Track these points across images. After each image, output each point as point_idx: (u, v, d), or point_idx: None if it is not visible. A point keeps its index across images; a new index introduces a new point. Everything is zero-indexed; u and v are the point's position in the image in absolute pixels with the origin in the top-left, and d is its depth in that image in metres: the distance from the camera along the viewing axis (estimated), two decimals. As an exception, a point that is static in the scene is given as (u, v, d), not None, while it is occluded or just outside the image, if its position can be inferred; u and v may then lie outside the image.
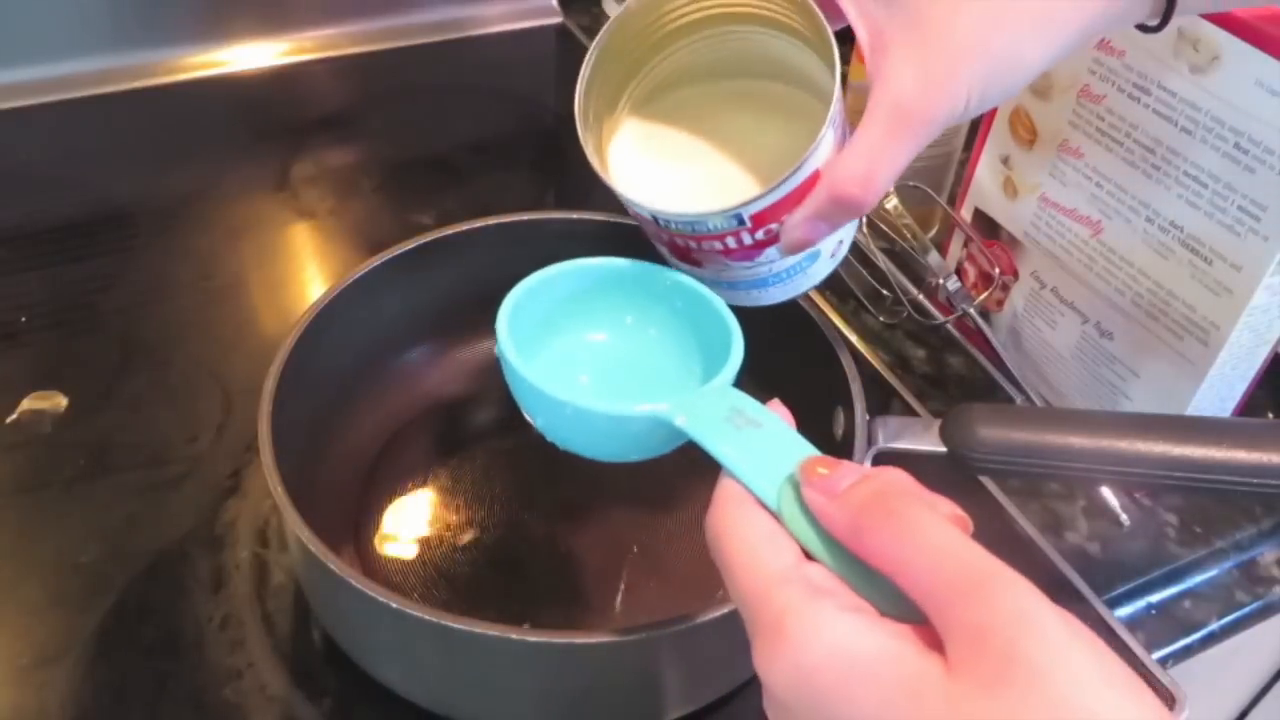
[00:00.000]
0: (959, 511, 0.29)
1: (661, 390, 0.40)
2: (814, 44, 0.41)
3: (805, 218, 0.39)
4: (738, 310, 0.43)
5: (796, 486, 0.30)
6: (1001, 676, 0.23)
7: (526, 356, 0.39)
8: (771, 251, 0.42)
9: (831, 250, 0.45)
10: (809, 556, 0.29)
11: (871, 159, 0.37)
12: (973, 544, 0.26)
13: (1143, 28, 0.41)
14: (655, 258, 0.45)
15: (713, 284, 0.46)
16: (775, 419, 0.34)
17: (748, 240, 0.41)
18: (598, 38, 0.42)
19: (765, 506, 0.30)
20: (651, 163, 0.45)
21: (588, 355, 0.44)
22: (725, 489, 0.31)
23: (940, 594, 0.25)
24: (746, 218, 0.39)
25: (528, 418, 0.41)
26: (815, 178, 0.39)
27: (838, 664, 0.25)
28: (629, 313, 0.45)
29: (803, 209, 0.39)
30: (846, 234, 0.46)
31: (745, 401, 0.35)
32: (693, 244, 0.42)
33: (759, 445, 0.32)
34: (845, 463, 0.30)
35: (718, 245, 0.41)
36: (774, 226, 0.40)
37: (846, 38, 0.40)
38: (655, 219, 0.41)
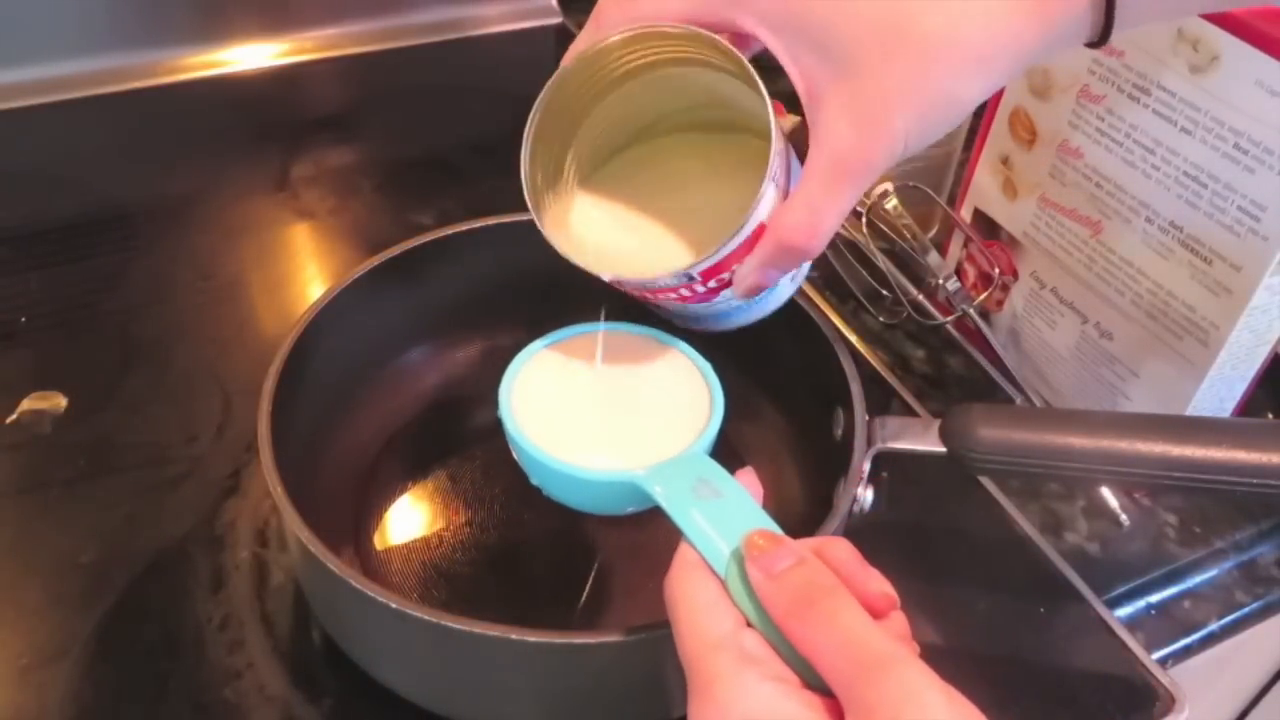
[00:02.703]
0: (887, 590, 0.34)
1: (649, 448, 0.43)
2: (750, 95, 0.41)
3: (755, 267, 0.40)
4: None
5: (743, 558, 0.33)
6: None
7: (526, 417, 0.43)
8: (727, 293, 0.43)
9: (791, 275, 0.45)
10: (749, 622, 0.33)
11: (814, 209, 0.38)
12: (878, 631, 0.31)
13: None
14: (648, 318, 0.48)
15: (678, 317, 0.47)
16: (738, 489, 0.37)
17: (701, 290, 0.42)
18: (539, 99, 0.42)
19: (715, 573, 0.34)
20: (602, 229, 0.46)
21: (585, 414, 0.45)
22: (682, 554, 0.35)
23: (843, 674, 0.30)
24: (696, 274, 0.41)
25: (525, 473, 0.44)
26: (761, 229, 0.39)
27: None
28: (625, 373, 0.47)
29: (752, 259, 0.40)
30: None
31: (713, 471, 0.38)
32: (649, 295, 0.44)
33: (716, 515, 0.36)
34: (786, 540, 0.34)
35: (673, 296, 0.43)
36: (725, 275, 0.41)
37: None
38: (609, 282, 0.43)
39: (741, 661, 0.31)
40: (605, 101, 0.45)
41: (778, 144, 0.38)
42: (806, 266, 0.47)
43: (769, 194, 0.39)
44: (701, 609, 0.33)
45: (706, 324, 0.47)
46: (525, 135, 0.42)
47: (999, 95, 0.61)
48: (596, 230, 0.46)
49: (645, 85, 0.44)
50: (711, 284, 0.41)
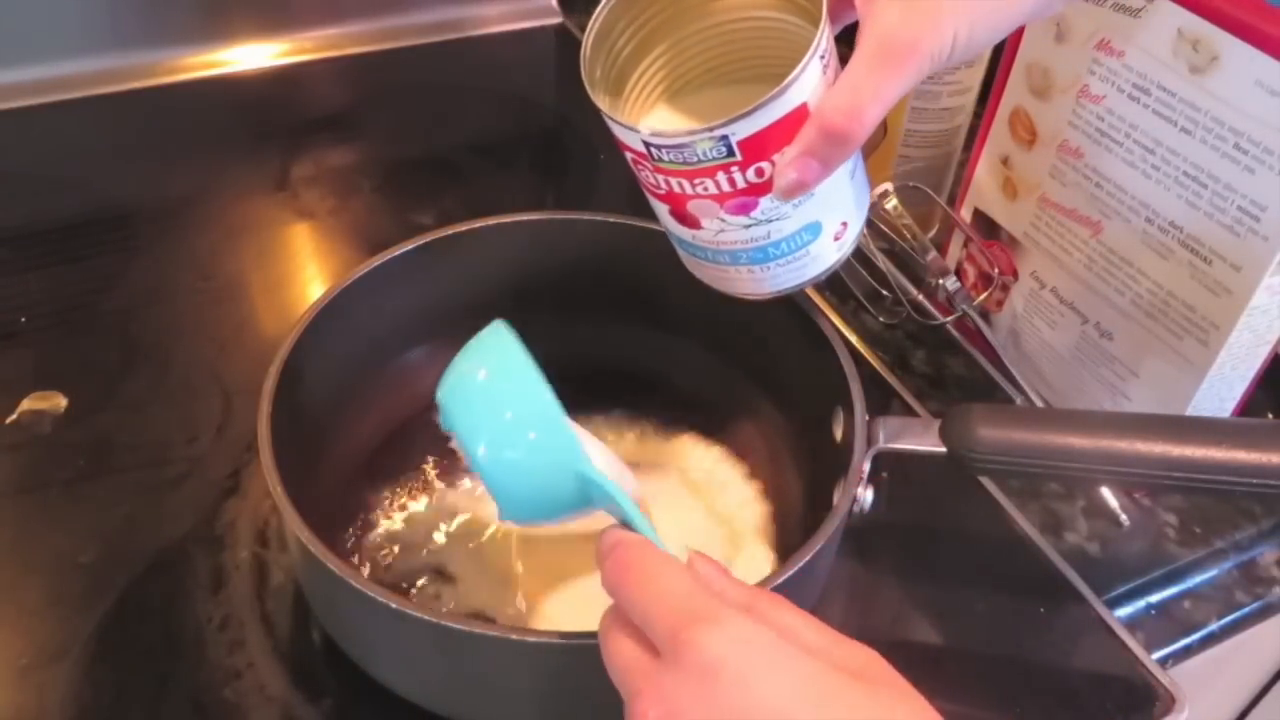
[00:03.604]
0: None
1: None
2: (796, 40, 0.41)
3: (796, 155, 0.40)
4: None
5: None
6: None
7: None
8: (766, 204, 0.42)
9: (834, 232, 0.45)
10: None
11: (857, 91, 0.38)
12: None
13: None
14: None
15: (714, 262, 0.46)
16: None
17: (740, 181, 0.41)
18: None
19: None
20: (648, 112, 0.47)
21: None
22: (627, 534, 0.36)
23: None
24: (735, 145, 0.40)
25: (464, 444, 0.39)
26: (803, 113, 0.39)
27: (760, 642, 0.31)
28: None
29: (792, 146, 0.40)
30: (850, 215, 0.46)
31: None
32: (687, 185, 0.42)
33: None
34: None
35: (710, 187, 0.42)
36: (765, 166, 0.40)
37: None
38: (648, 148, 0.41)
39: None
40: (678, 33, 0.46)
41: (827, 25, 0.39)
42: (853, 231, 0.47)
43: (814, 69, 0.39)
44: (681, 565, 0.34)
45: (744, 275, 0.46)
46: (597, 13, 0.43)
47: (999, 92, 0.61)
48: (649, 108, 0.47)
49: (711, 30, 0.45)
50: (751, 175, 0.41)
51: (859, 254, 0.70)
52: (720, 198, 0.42)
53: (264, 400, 0.45)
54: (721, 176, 0.41)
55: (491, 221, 0.56)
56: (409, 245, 0.54)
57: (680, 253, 0.49)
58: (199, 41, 0.86)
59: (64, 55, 0.82)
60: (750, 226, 0.43)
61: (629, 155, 0.43)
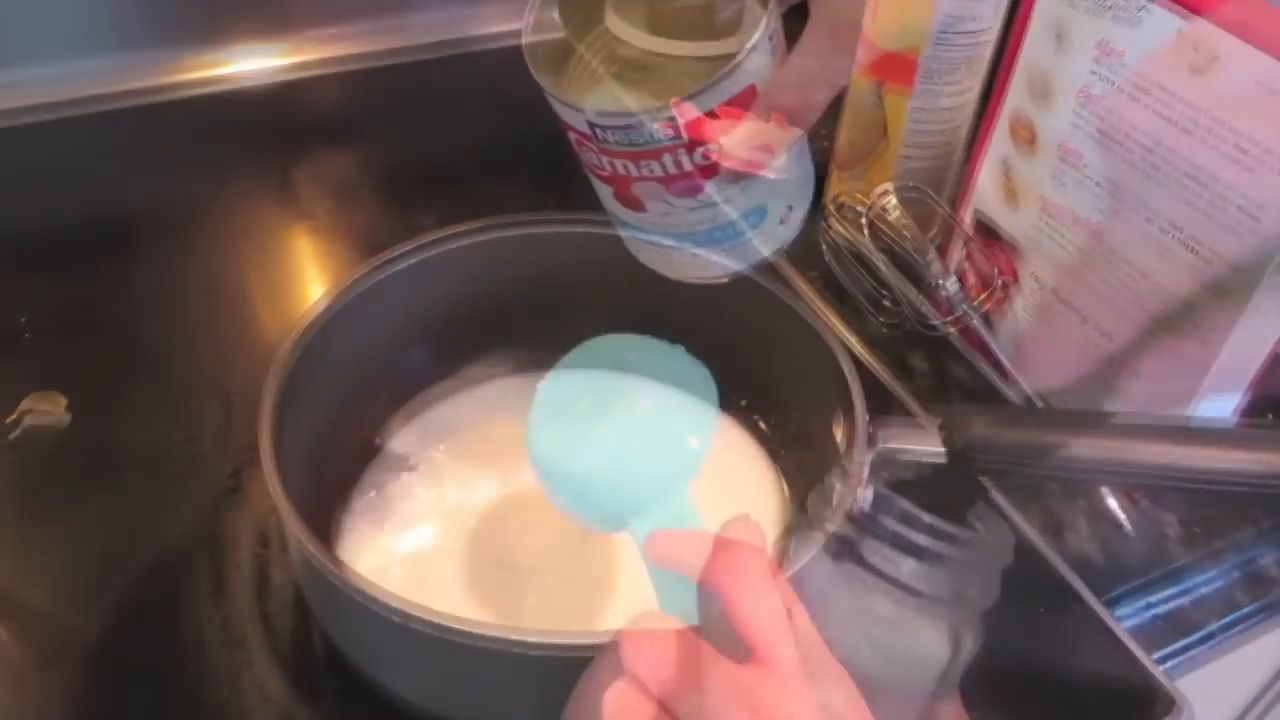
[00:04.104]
0: None
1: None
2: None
3: (744, 137, 0.39)
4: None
5: None
6: None
7: None
8: (713, 187, 0.41)
9: (780, 215, 0.45)
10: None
11: (807, 69, 0.37)
12: None
13: None
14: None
15: (658, 245, 0.45)
16: None
17: (686, 164, 0.40)
18: None
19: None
20: (595, 88, 0.46)
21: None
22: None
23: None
24: (682, 126, 0.39)
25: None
26: (752, 94, 0.39)
27: None
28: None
29: (741, 128, 0.39)
30: (796, 199, 0.45)
31: None
32: (632, 167, 0.41)
33: None
34: None
35: (657, 169, 0.41)
36: (712, 149, 0.40)
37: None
38: (593, 129, 0.41)
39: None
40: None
41: (776, 4, 0.38)
42: (799, 213, 0.46)
43: (763, 50, 0.38)
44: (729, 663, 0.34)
45: (689, 259, 0.46)
46: None
47: (1000, 95, 0.61)
48: (590, 86, 0.46)
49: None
50: (698, 158, 0.40)
51: (859, 256, 0.70)
52: (666, 180, 0.41)
53: (265, 401, 0.46)
54: (668, 158, 0.40)
55: (491, 223, 0.56)
56: (409, 247, 0.54)
57: (622, 234, 0.48)
58: (202, 51, 0.86)
59: (67, 63, 0.82)
60: (696, 210, 0.43)
61: (573, 136, 0.42)
